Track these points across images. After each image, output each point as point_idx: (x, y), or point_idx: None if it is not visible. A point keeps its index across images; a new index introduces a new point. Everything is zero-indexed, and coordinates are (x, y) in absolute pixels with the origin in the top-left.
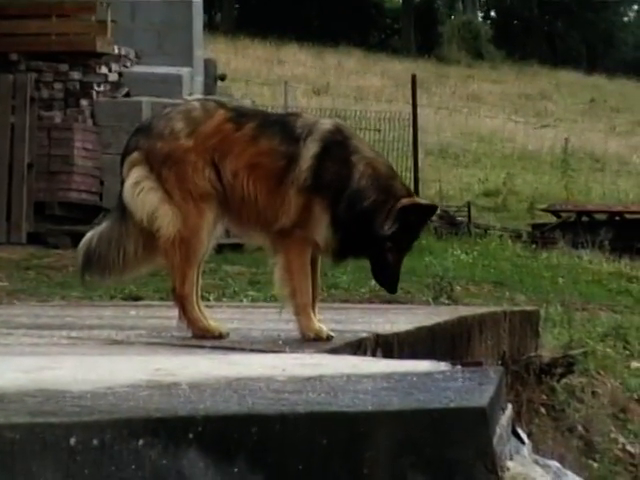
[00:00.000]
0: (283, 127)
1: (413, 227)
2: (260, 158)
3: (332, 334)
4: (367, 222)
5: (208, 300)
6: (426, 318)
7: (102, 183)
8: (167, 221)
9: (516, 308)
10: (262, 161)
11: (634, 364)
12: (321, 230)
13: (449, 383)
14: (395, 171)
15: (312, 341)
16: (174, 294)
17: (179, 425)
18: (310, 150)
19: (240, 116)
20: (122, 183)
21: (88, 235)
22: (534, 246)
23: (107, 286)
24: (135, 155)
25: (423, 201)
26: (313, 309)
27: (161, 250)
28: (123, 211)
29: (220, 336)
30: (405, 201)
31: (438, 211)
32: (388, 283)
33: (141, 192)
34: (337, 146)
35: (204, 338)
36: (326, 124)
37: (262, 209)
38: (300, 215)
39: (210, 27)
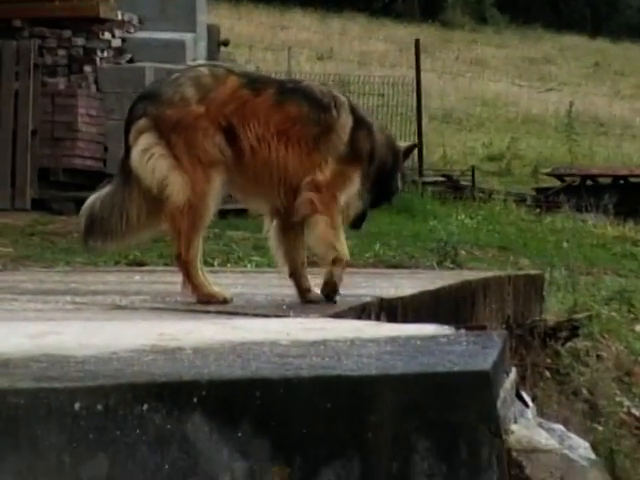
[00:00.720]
0: (305, 95)
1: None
2: (290, 124)
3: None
4: (389, 183)
5: (212, 265)
6: (430, 282)
7: (106, 149)
8: (177, 188)
9: (520, 272)
10: (293, 127)
11: (638, 327)
12: (352, 196)
13: (453, 347)
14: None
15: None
16: (179, 260)
17: (183, 389)
18: (348, 123)
19: (253, 82)
20: (127, 149)
21: (90, 199)
22: (538, 210)
23: (110, 251)
24: (143, 122)
25: (407, 145)
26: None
27: (167, 216)
28: (126, 176)
29: (224, 301)
30: (403, 148)
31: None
32: (361, 220)
33: (151, 158)
34: (361, 119)
35: (208, 303)
36: (342, 97)
37: (292, 173)
38: (336, 179)
39: None
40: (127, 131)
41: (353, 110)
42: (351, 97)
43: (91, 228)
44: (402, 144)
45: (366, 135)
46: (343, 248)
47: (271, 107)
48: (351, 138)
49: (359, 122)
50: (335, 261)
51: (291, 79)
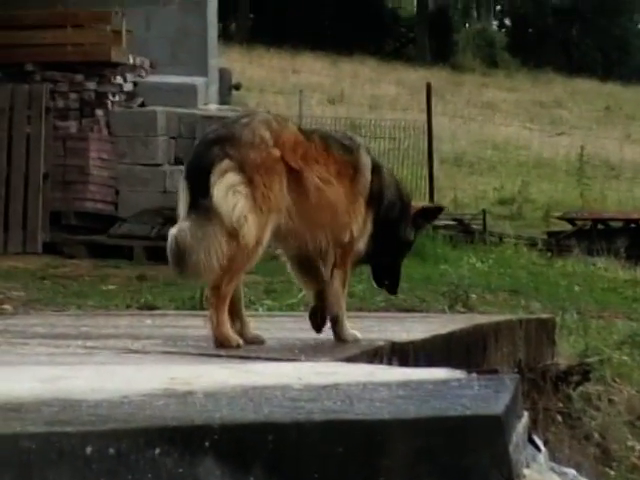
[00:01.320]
0: (333, 139)
1: (421, 229)
2: (337, 166)
3: (359, 337)
4: (392, 232)
5: None
6: (442, 326)
7: (117, 193)
8: (253, 230)
9: (532, 316)
10: (340, 169)
11: None
12: (366, 240)
13: (465, 391)
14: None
15: (351, 343)
16: (217, 291)
17: (195, 434)
18: (368, 163)
19: (299, 127)
20: (203, 189)
21: (173, 234)
22: (549, 254)
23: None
24: (227, 162)
25: (431, 205)
26: None
27: (229, 252)
28: (206, 213)
29: (237, 346)
30: (419, 205)
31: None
32: (392, 285)
33: (235, 195)
34: (375, 161)
35: (222, 346)
36: (357, 138)
37: (343, 217)
38: (361, 226)
39: (225, 36)
40: (202, 173)
41: (368, 151)
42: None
43: (180, 264)
44: (425, 204)
45: (379, 178)
46: (344, 303)
47: (323, 151)
48: (371, 179)
49: (375, 164)
50: (338, 319)
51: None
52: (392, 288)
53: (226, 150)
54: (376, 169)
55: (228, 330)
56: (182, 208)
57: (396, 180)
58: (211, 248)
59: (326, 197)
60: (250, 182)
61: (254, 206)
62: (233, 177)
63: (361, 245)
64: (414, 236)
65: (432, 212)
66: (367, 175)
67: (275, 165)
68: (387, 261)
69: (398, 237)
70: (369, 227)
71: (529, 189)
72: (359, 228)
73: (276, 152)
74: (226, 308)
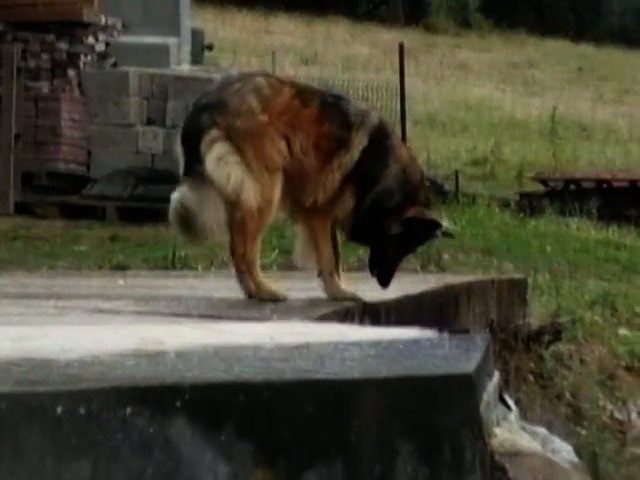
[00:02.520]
0: (339, 111)
1: (416, 235)
2: (322, 139)
3: (357, 295)
4: (380, 218)
5: (196, 270)
6: (413, 286)
7: (90, 153)
8: (252, 194)
9: (504, 276)
10: (322, 143)
11: (622, 331)
12: (345, 212)
13: (436, 350)
14: (423, 180)
15: (341, 301)
16: (243, 259)
17: (166, 393)
18: (361, 143)
19: (302, 92)
20: (197, 156)
21: (174, 202)
22: (522, 214)
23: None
24: (215, 131)
25: (429, 216)
26: (337, 274)
27: (237, 218)
28: (202, 180)
29: (284, 299)
30: (412, 212)
31: (443, 228)
32: (381, 277)
33: (226, 166)
34: (379, 143)
35: (269, 301)
36: (374, 118)
37: (310, 185)
38: (334, 196)
39: None
40: (193, 139)
41: (373, 134)
42: None
43: (186, 229)
44: (428, 215)
45: (379, 164)
46: (326, 260)
47: (314, 121)
48: (360, 159)
49: (373, 146)
50: (323, 276)
51: (334, 93)
52: (381, 279)
53: (214, 118)
54: (377, 154)
55: (271, 287)
56: (181, 171)
57: (405, 174)
58: (212, 211)
59: (305, 163)
60: (239, 149)
61: (248, 171)
62: (221, 148)
63: (339, 214)
64: (402, 235)
65: (427, 224)
66: (354, 155)
67: (263, 129)
68: (375, 248)
69: (382, 227)
70: (349, 202)
71: (502, 150)
72: (326, 197)
73: (263, 118)
74: (258, 269)
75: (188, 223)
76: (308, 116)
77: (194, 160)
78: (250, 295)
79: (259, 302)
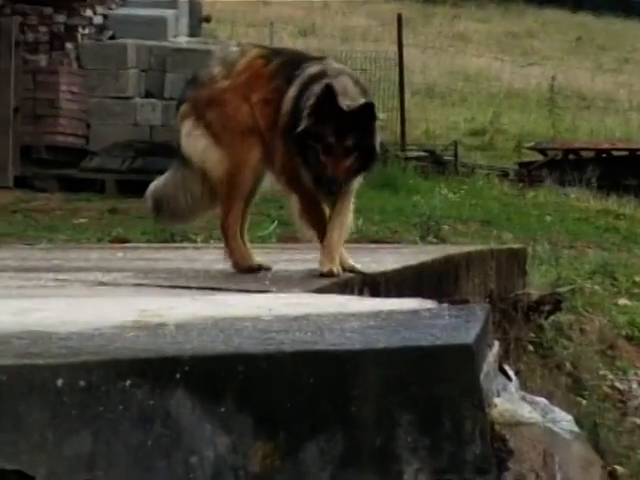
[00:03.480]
0: (293, 67)
1: (337, 121)
2: (271, 95)
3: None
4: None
5: (195, 242)
6: (413, 257)
7: (88, 126)
8: (214, 162)
9: (503, 246)
10: (271, 99)
11: (622, 301)
12: (299, 172)
13: (435, 321)
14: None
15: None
16: (222, 226)
17: (166, 365)
18: (290, 93)
19: (274, 54)
20: (178, 132)
21: (154, 183)
22: (521, 185)
23: (179, 227)
24: (184, 107)
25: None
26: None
27: (213, 187)
28: (184, 158)
29: (259, 268)
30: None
31: (381, 116)
32: (323, 183)
33: (193, 140)
34: (308, 87)
35: (242, 270)
36: (315, 68)
37: (271, 146)
38: (283, 160)
39: None
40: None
41: (305, 81)
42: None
43: (159, 209)
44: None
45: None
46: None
47: (268, 77)
48: (291, 110)
49: (302, 93)
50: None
51: (315, 56)
52: (324, 184)
53: (187, 92)
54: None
55: (242, 252)
56: None
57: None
58: (186, 192)
59: (260, 124)
60: (204, 120)
61: (214, 139)
62: (189, 122)
63: (299, 178)
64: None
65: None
66: (284, 107)
67: (222, 95)
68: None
69: (292, 132)
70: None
71: (500, 120)
72: (281, 163)
73: (224, 83)
74: (234, 236)
75: (159, 211)
76: (265, 73)
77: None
78: (234, 267)
79: (235, 272)
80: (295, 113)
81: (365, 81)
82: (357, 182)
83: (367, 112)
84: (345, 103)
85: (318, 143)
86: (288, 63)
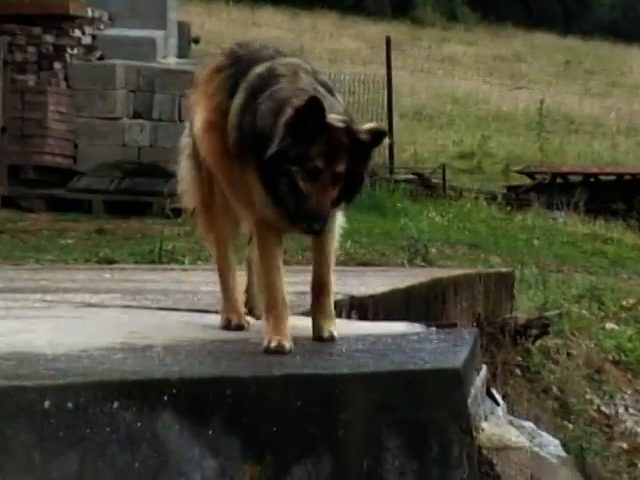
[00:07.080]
0: (242, 74)
1: (320, 141)
2: (213, 116)
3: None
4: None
5: (183, 263)
6: (401, 280)
7: (76, 146)
8: (184, 172)
9: (491, 270)
10: (214, 121)
11: (609, 325)
12: (261, 203)
13: (423, 344)
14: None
15: (270, 353)
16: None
17: (154, 387)
18: (235, 102)
19: (231, 63)
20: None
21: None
22: (509, 208)
23: None
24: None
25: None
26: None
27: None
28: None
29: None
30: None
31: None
32: (303, 218)
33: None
34: (257, 93)
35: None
36: (261, 67)
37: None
38: (246, 191)
39: None
40: None
41: (251, 85)
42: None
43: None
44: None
45: (250, 114)
46: (271, 291)
47: (211, 94)
48: (237, 124)
49: (249, 100)
50: (265, 309)
51: (284, 52)
52: (305, 220)
53: None
54: (249, 107)
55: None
56: None
57: (277, 97)
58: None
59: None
60: (191, 122)
61: (189, 148)
62: (185, 137)
63: (259, 211)
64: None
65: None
66: (230, 121)
67: (190, 105)
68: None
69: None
70: (254, 185)
71: (489, 143)
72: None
73: (195, 89)
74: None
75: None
76: (208, 91)
77: None
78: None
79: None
80: (247, 127)
81: (354, 103)
82: (340, 216)
83: (376, 138)
84: (336, 120)
85: (299, 167)
86: (239, 71)
